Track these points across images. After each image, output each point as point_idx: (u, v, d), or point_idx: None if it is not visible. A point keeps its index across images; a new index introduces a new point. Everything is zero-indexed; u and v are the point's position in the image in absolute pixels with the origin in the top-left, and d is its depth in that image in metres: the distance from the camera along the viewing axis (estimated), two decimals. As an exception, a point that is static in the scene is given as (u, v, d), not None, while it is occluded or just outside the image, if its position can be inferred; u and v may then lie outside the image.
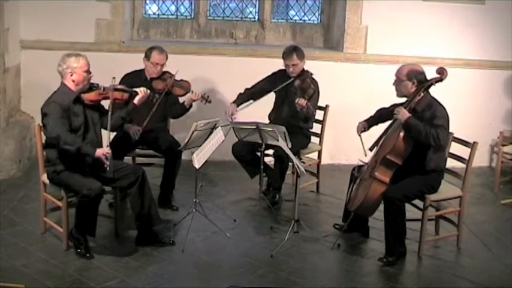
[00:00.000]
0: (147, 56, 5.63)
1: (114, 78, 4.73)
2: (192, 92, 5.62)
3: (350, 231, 5.18)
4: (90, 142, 4.67)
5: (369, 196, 4.76)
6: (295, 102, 5.46)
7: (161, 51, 5.63)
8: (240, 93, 5.90)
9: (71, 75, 4.64)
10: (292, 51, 5.72)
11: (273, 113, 5.97)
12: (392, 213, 4.70)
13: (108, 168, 4.57)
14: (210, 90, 6.87)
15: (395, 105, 4.95)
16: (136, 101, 4.84)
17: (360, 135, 5.10)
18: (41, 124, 4.83)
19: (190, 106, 5.68)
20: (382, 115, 5.20)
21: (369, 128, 5.18)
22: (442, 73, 4.84)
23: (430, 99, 4.80)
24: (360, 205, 4.81)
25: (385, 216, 4.76)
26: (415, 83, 4.80)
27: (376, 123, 5.21)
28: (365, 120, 5.22)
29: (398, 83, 4.88)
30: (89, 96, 4.69)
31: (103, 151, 4.55)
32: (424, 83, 4.79)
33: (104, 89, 4.73)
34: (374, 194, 4.76)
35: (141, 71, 5.70)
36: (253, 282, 4.44)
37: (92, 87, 4.74)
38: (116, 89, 4.79)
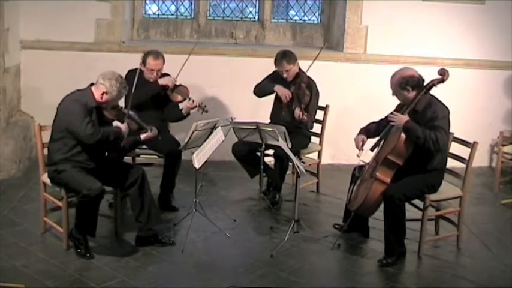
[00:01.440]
0: (144, 62, 5.60)
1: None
2: (190, 99, 5.62)
3: (350, 231, 5.17)
4: (94, 149, 4.68)
5: (369, 196, 4.75)
6: (293, 109, 5.49)
7: (156, 57, 5.58)
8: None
9: (103, 94, 4.63)
10: (281, 58, 5.72)
11: (272, 115, 5.95)
12: (392, 212, 4.69)
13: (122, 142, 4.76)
14: (210, 90, 6.89)
15: (386, 119, 4.91)
16: (143, 137, 4.87)
17: (361, 150, 4.97)
18: (41, 124, 4.83)
19: (188, 114, 5.68)
20: (374, 129, 5.06)
21: (367, 139, 5.04)
22: (443, 74, 4.82)
23: (430, 98, 4.78)
24: (360, 205, 4.81)
25: (385, 215, 4.75)
26: (409, 90, 4.76)
27: (372, 136, 5.07)
28: (360, 133, 5.06)
29: (395, 94, 4.85)
30: (108, 113, 4.71)
31: (120, 125, 4.72)
32: (421, 84, 4.77)
33: (124, 114, 4.75)
34: (374, 194, 4.75)
35: (142, 73, 5.69)
36: (253, 282, 4.44)
37: (114, 106, 4.75)
38: (131, 118, 4.80)
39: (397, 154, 4.69)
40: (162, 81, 5.61)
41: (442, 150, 4.73)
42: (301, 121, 5.55)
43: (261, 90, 5.89)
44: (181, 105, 5.71)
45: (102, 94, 4.63)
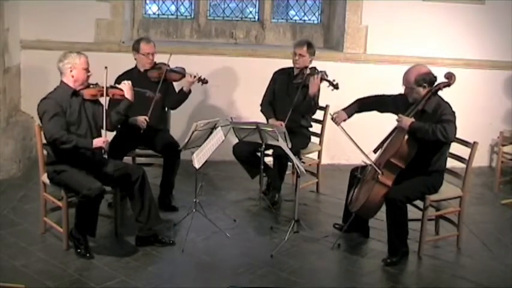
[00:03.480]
0: (136, 49, 5.65)
1: (106, 68, 4.73)
2: (189, 74, 5.63)
3: (350, 232, 5.17)
4: (87, 137, 4.68)
5: (370, 198, 4.75)
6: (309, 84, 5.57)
7: (148, 41, 5.68)
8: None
9: (71, 71, 4.65)
10: (304, 43, 5.80)
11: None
12: (394, 214, 4.70)
13: (105, 155, 4.67)
14: (210, 90, 6.88)
15: (398, 95, 4.94)
16: (128, 96, 4.81)
17: (341, 126, 5.07)
18: (40, 124, 4.83)
19: (190, 91, 5.68)
20: (380, 103, 5.17)
21: (349, 117, 5.17)
22: (450, 78, 4.80)
23: (438, 99, 4.77)
24: (362, 207, 4.80)
25: (388, 218, 4.75)
26: (426, 86, 4.75)
27: (361, 111, 5.22)
28: (344, 109, 5.19)
29: (409, 90, 4.81)
30: (88, 92, 4.72)
31: (100, 140, 4.61)
32: (434, 82, 4.76)
33: (105, 88, 4.74)
34: (376, 197, 4.75)
35: (133, 69, 5.70)
36: (253, 282, 4.44)
37: (90, 85, 4.76)
38: (113, 87, 4.84)
39: (399, 157, 4.69)
40: (152, 75, 5.61)
41: (451, 140, 4.70)
42: (314, 95, 5.60)
43: (264, 114, 5.93)
44: (180, 84, 5.71)
45: (71, 72, 4.65)
